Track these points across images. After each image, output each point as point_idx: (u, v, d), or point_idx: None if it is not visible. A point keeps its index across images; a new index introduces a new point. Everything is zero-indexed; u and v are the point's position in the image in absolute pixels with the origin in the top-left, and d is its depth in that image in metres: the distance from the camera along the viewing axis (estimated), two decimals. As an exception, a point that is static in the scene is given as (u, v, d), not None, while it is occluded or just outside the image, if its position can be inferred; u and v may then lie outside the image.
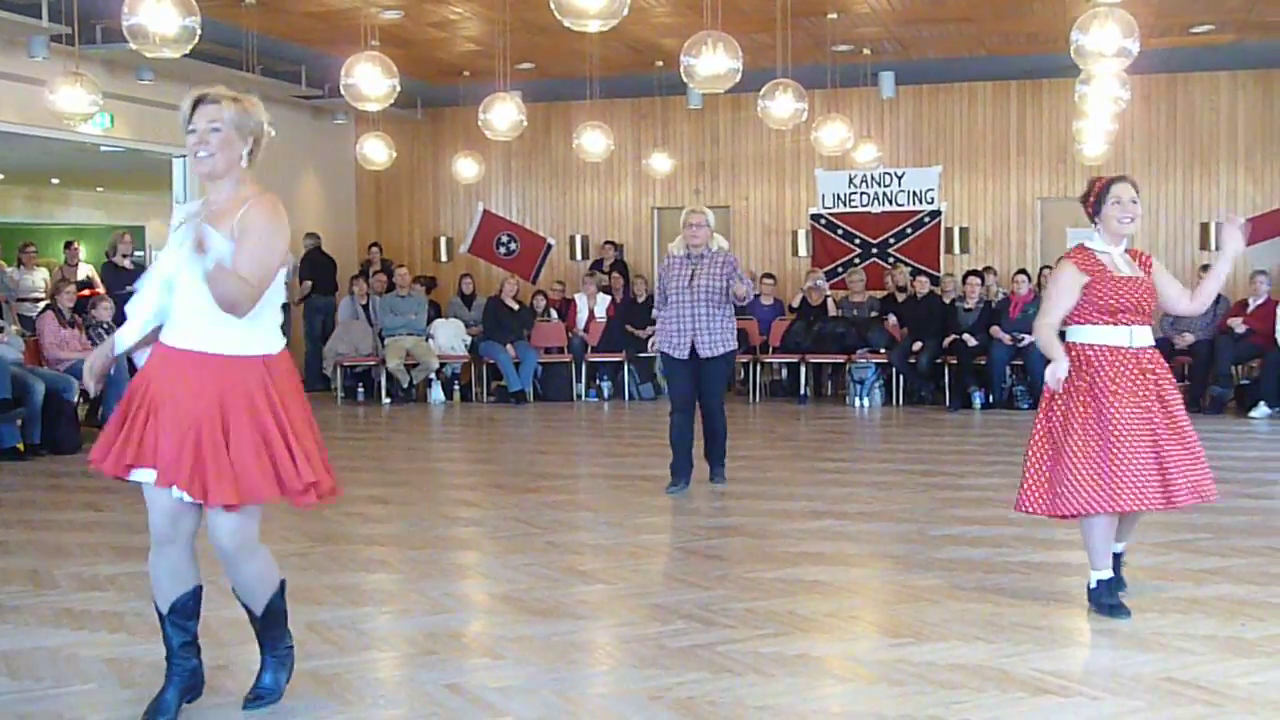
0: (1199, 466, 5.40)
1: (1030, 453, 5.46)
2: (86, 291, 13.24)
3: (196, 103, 3.99)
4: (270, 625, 4.24)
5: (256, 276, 3.87)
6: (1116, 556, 5.53)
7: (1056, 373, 5.33)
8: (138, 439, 3.91)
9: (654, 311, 9.17)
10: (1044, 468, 5.40)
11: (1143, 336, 5.37)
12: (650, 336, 14.94)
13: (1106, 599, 5.28)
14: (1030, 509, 5.45)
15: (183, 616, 4.10)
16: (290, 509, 6.86)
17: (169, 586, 4.07)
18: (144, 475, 3.93)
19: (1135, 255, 5.50)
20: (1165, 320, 13.64)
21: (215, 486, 3.86)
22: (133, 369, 4.32)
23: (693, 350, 8.46)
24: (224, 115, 3.95)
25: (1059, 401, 5.39)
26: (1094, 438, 5.25)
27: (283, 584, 4.28)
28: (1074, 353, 5.37)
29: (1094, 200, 5.46)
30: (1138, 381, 5.30)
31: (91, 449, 4.07)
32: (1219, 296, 12.64)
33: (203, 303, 3.87)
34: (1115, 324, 5.32)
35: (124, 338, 4.14)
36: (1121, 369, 5.29)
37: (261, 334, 4.00)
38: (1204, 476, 5.40)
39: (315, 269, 16.12)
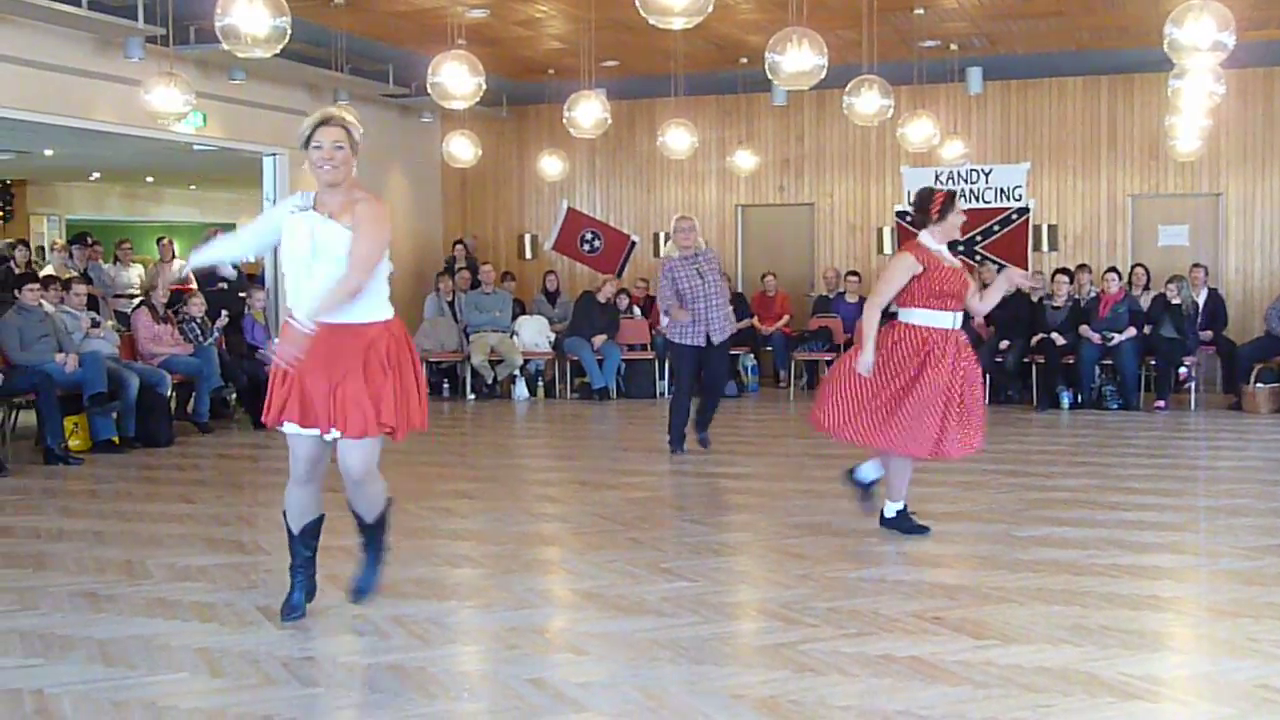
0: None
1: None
2: (179, 287, 13.47)
3: (320, 124, 4.84)
4: (377, 531, 5.24)
5: (369, 258, 4.82)
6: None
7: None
8: (283, 399, 4.92)
9: (663, 314, 10.36)
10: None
11: (958, 320, 6.60)
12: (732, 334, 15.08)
13: (905, 524, 6.86)
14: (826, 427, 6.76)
15: (310, 536, 5.18)
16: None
17: (301, 514, 5.15)
18: (292, 428, 4.94)
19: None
20: (1273, 313, 13.36)
21: (353, 421, 4.83)
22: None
23: (706, 337, 9.79)
24: (346, 135, 4.87)
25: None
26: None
27: (390, 501, 5.27)
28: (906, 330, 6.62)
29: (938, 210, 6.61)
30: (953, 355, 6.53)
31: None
32: None
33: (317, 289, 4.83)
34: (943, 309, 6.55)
35: (194, 258, 5.61)
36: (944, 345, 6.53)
37: (378, 305, 4.95)
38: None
39: None
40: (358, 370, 4.83)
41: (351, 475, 5.00)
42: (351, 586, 5.29)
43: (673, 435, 10.18)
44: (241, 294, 13.38)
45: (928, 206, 6.64)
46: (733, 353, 14.97)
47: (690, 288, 9.81)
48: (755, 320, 15.49)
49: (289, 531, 5.18)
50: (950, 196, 6.67)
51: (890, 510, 6.90)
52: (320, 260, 4.83)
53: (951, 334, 6.55)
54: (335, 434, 4.89)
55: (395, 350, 4.93)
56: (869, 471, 6.96)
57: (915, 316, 6.57)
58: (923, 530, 6.87)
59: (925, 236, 6.67)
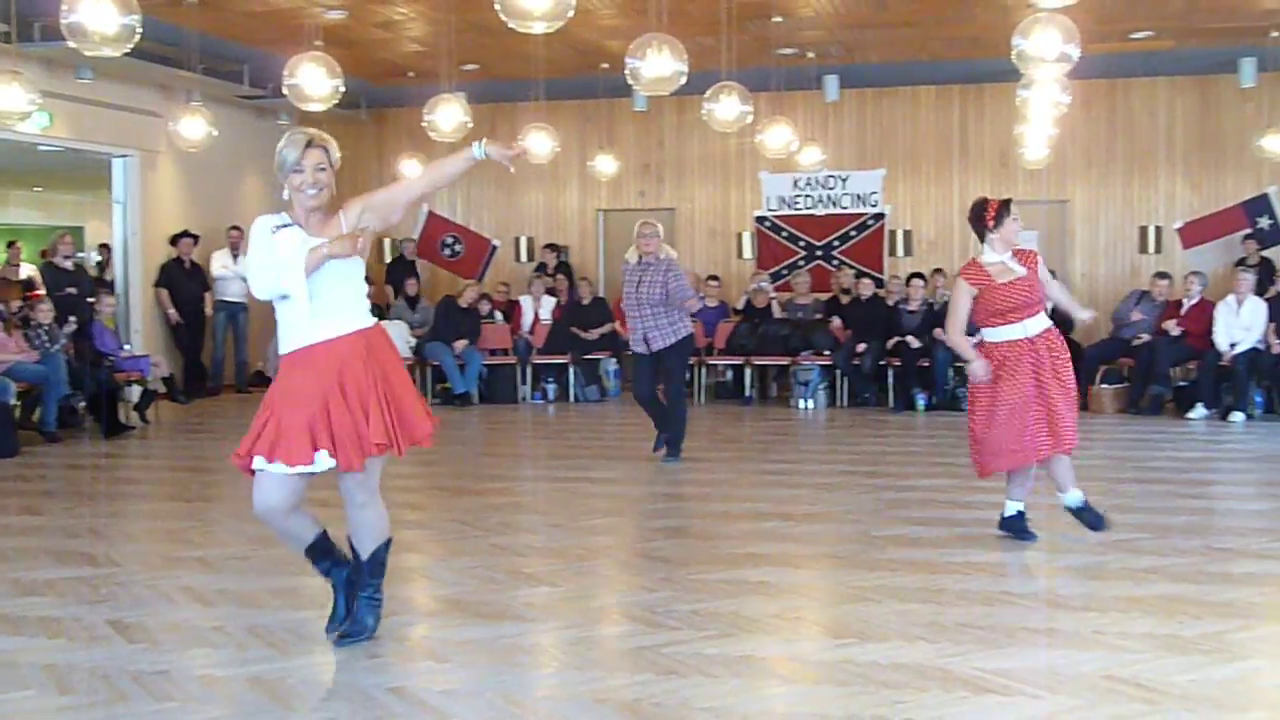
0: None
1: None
2: (34, 295, 13.06)
3: (306, 146, 4.78)
4: (372, 572, 4.97)
5: (404, 185, 5.36)
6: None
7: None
8: (255, 435, 4.67)
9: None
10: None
11: (1036, 326, 6.59)
12: (593, 339, 15.11)
13: (1017, 526, 6.79)
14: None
15: (319, 552, 4.97)
16: (235, 513, 6.80)
17: (294, 544, 4.95)
18: (261, 463, 4.66)
19: (1022, 255, 6.70)
20: (1119, 316, 13.84)
21: (344, 454, 4.66)
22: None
23: (645, 344, 9.69)
24: (328, 158, 4.83)
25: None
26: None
27: (389, 541, 5.02)
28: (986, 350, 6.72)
29: (993, 218, 6.64)
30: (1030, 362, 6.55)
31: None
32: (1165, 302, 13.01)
33: (333, 297, 4.71)
34: (1008, 323, 6.58)
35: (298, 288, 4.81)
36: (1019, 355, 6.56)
37: (354, 315, 4.79)
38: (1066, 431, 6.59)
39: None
40: (336, 393, 4.65)
41: (351, 499, 4.87)
42: (343, 631, 4.96)
43: (655, 426, 10.07)
44: (90, 300, 13.02)
45: (983, 216, 6.66)
46: (593, 357, 15.12)
47: (626, 295, 9.83)
48: (617, 325, 15.51)
49: (303, 553, 5.02)
50: (1004, 204, 6.66)
51: (1009, 509, 6.87)
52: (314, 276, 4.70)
53: (1025, 344, 6.58)
54: (329, 462, 4.66)
55: (373, 361, 4.74)
56: (1011, 505, 6.88)
57: (987, 334, 6.72)
58: (1030, 537, 6.77)
59: (987, 251, 6.69)
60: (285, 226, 4.80)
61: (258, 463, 4.66)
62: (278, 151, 4.80)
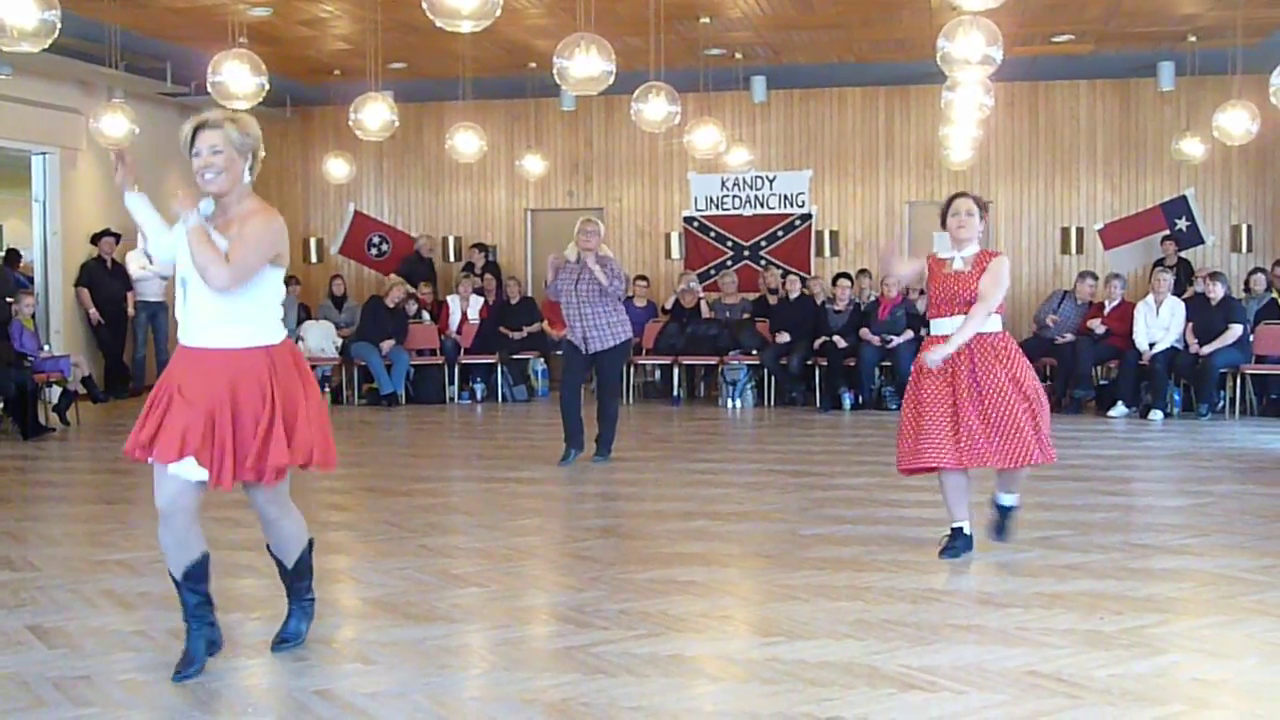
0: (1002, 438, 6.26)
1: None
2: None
3: (197, 129, 4.43)
4: (298, 577, 4.88)
5: (236, 260, 4.36)
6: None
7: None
8: (154, 427, 4.40)
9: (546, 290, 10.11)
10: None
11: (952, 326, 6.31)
12: (521, 339, 15.08)
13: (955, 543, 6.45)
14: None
15: (194, 580, 4.55)
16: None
17: (177, 555, 4.52)
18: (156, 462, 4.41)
19: (983, 257, 6.38)
20: (1041, 317, 14.04)
21: (215, 470, 4.39)
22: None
23: (585, 345, 9.58)
24: (225, 138, 4.42)
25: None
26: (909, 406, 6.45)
27: (311, 542, 4.91)
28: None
29: (941, 214, 6.48)
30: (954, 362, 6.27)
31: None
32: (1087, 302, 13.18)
33: (213, 306, 4.43)
34: (941, 315, 6.36)
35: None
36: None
37: (260, 329, 4.51)
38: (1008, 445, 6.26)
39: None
40: (226, 407, 4.38)
41: (264, 514, 4.73)
42: (276, 636, 4.87)
43: (564, 437, 9.81)
44: (9, 300, 12.78)
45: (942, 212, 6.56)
46: (521, 357, 15.09)
47: (566, 291, 9.62)
48: (545, 324, 15.48)
49: (172, 578, 4.58)
50: (948, 200, 6.50)
51: (1004, 499, 6.63)
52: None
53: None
54: (198, 473, 4.37)
55: (276, 379, 4.46)
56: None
57: (932, 326, 6.51)
58: (955, 553, 6.41)
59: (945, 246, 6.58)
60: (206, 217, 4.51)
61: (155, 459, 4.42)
62: (181, 134, 4.50)
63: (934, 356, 6.24)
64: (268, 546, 4.87)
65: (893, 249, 6.71)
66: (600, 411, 9.93)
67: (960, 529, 6.45)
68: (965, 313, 6.26)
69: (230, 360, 4.43)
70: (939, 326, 6.39)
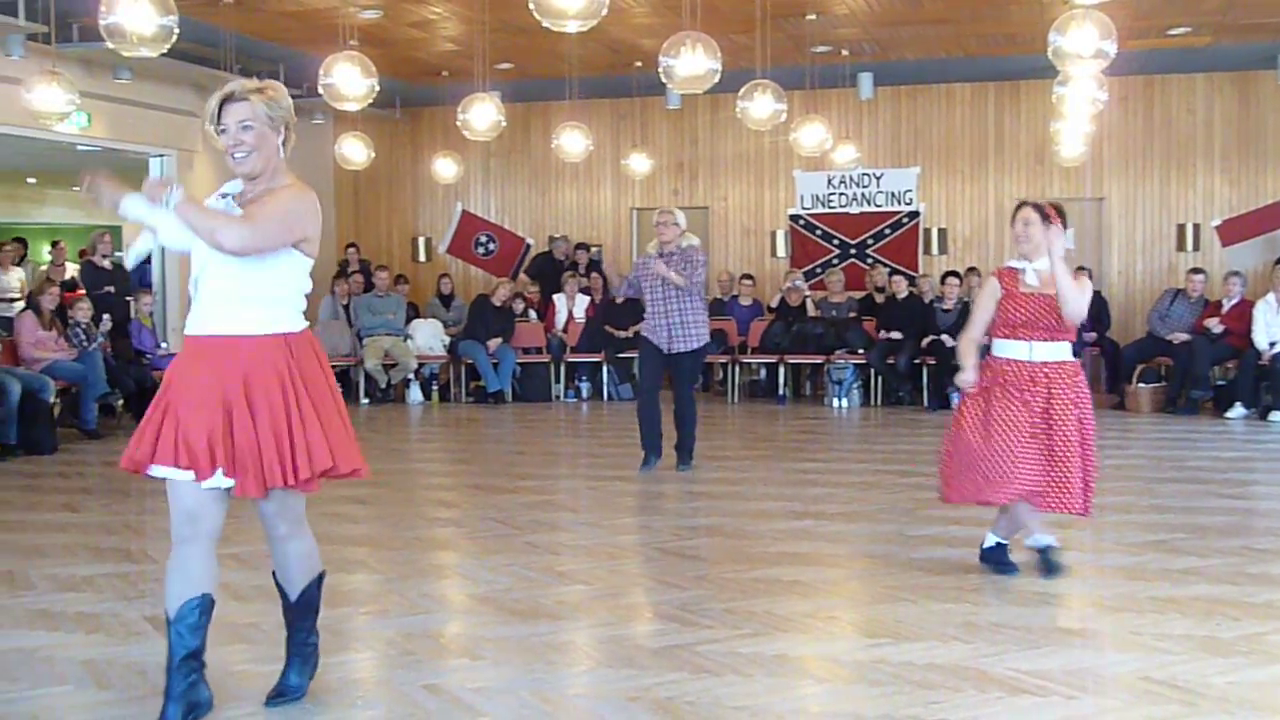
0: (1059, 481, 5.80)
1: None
2: (70, 293, 13.17)
3: (223, 101, 3.97)
4: (301, 614, 4.26)
5: (255, 218, 3.85)
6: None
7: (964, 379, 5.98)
8: (154, 435, 3.91)
9: (615, 295, 9.85)
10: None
11: (1044, 352, 5.84)
12: (628, 336, 15.10)
13: (996, 557, 6.08)
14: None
15: (186, 625, 3.93)
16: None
17: (178, 587, 3.93)
18: (166, 471, 3.90)
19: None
20: (1155, 315, 13.75)
21: (243, 479, 3.90)
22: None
23: (669, 344, 9.18)
24: (254, 111, 3.94)
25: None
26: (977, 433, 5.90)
27: (322, 575, 4.32)
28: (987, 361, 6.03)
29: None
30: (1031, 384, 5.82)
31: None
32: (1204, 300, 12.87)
33: (226, 289, 3.92)
34: (1014, 338, 5.89)
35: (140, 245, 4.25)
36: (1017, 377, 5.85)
37: (278, 315, 3.98)
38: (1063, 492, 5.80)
39: None
40: (242, 404, 3.87)
41: (273, 530, 4.17)
42: (273, 689, 4.27)
43: (642, 444, 9.41)
44: (128, 298, 13.12)
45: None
46: (626, 355, 15.08)
47: (650, 287, 9.22)
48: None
49: (165, 618, 3.98)
50: (1017, 206, 6.09)
51: (989, 539, 6.15)
52: (214, 258, 3.92)
53: (1029, 366, 5.84)
54: (224, 482, 3.91)
55: (298, 369, 3.98)
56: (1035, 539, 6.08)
57: (995, 346, 6.00)
58: (1011, 569, 6.04)
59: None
60: (222, 197, 4.07)
61: (164, 471, 3.91)
62: (206, 108, 4.06)
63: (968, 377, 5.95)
64: (273, 573, 4.28)
65: None
66: (678, 417, 9.45)
67: (1048, 545, 6.03)
68: (1038, 339, 5.81)
69: (242, 348, 3.91)
70: (1003, 349, 5.92)
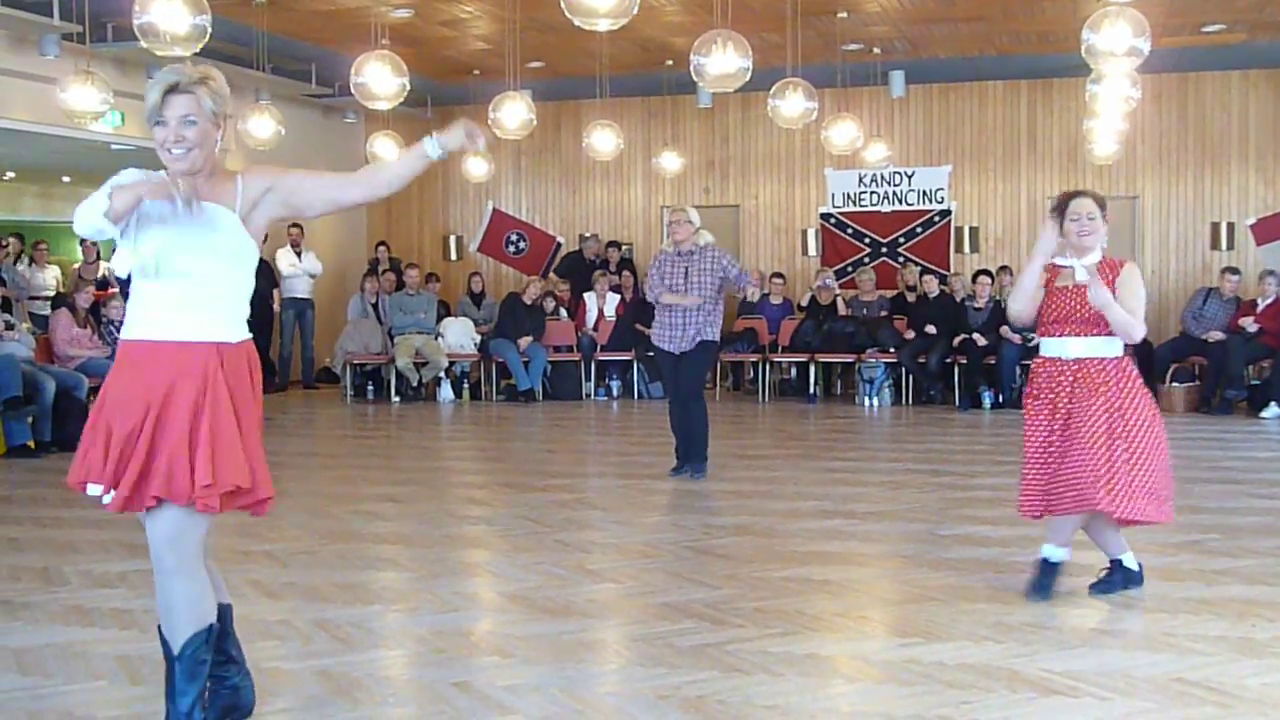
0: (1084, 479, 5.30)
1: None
2: (103, 291, 13.26)
3: (166, 92, 3.57)
4: (185, 675, 3.59)
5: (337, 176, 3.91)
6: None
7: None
8: (84, 451, 3.60)
9: (646, 295, 9.38)
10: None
11: (1077, 348, 5.40)
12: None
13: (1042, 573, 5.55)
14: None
15: (217, 634, 3.66)
16: (303, 508, 6.86)
17: (174, 622, 3.60)
18: (96, 490, 3.56)
19: (1109, 267, 5.43)
20: (1188, 315, 13.68)
21: (123, 490, 3.49)
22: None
23: (692, 340, 8.88)
24: (199, 106, 3.57)
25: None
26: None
27: (212, 629, 3.63)
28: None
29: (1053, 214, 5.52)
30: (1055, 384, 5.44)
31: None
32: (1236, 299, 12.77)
33: (164, 292, 3.56)
34: (1049, 335, 5.49)
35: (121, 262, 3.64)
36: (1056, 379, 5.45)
37: (218, 321, 3.59)
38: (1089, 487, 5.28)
39: None
40: (154, 414, 3.48)
41: (159, 563, 3.56)
42: None
43: (675, 451, 9.15)
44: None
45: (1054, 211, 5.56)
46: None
47: (672, 286, 8.89)
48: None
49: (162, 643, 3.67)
50: (1064, 199, 5.51)
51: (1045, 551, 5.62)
52: (195, 256, 3.55)
53: (1063, 364, 5.42)
54: (103, 495, 3.53)
55: (220, 382, 3.53)
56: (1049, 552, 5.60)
57: (1041, 347, 5.58)
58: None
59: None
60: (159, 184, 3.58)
61: (96, 491, 3.56)
62: (147, 100, 3.64)
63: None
64: (158, 628, 3.68)
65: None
66: (688, 420, 9.06)
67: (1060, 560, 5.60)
68: (1085, 334, 5.35)
69: (173, 355, 3.53)
70: (1050, 348, 5.47)
